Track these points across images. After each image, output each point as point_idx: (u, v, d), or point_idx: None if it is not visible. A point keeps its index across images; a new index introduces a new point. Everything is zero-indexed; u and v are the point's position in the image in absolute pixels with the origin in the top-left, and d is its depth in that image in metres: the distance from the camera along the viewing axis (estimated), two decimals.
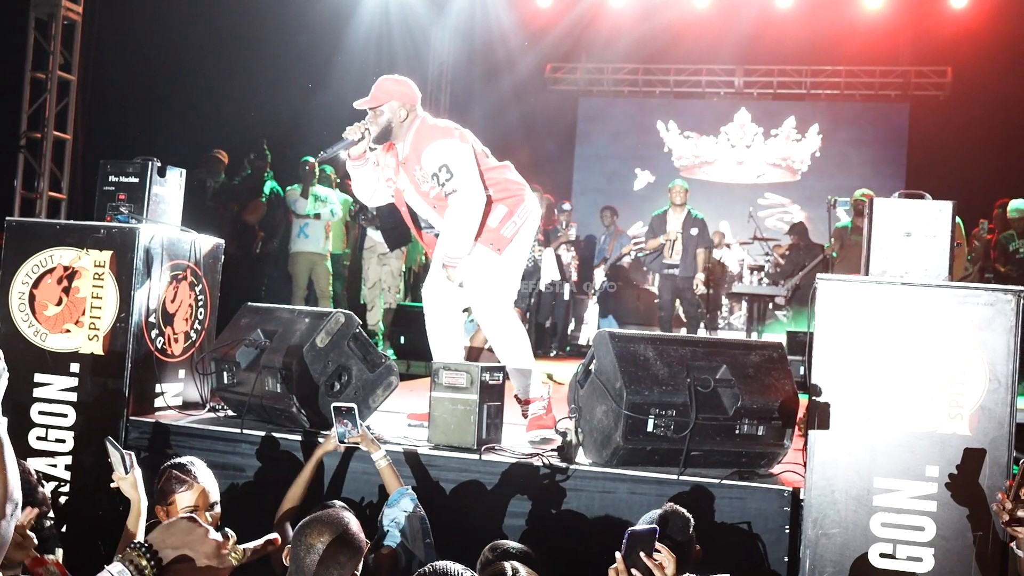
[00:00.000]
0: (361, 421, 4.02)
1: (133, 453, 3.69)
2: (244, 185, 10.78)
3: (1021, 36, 14.08)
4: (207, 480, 3.75)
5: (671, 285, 11.02)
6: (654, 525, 3.12)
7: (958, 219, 9.14)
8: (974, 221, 10.75)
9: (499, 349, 5.31)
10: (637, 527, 3.06)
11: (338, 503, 3.45)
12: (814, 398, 3.91)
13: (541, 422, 5.03)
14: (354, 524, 3.01)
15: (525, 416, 5.16)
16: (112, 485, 3.67)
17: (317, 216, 10.50)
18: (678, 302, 11.32)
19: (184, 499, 3.65)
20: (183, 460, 3.78)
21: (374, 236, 10.12)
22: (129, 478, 3.61)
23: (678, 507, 3.42)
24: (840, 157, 16.62)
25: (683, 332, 11.31)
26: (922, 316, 3.86)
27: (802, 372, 4.25)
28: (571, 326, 13.12)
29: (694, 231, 10.80)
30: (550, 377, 8.48)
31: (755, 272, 13.06)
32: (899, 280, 3.93)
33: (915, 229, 4.02)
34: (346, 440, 4.02)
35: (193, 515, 2.46)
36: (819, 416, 3.88)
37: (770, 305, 13.26)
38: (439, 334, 5.36)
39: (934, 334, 3.84)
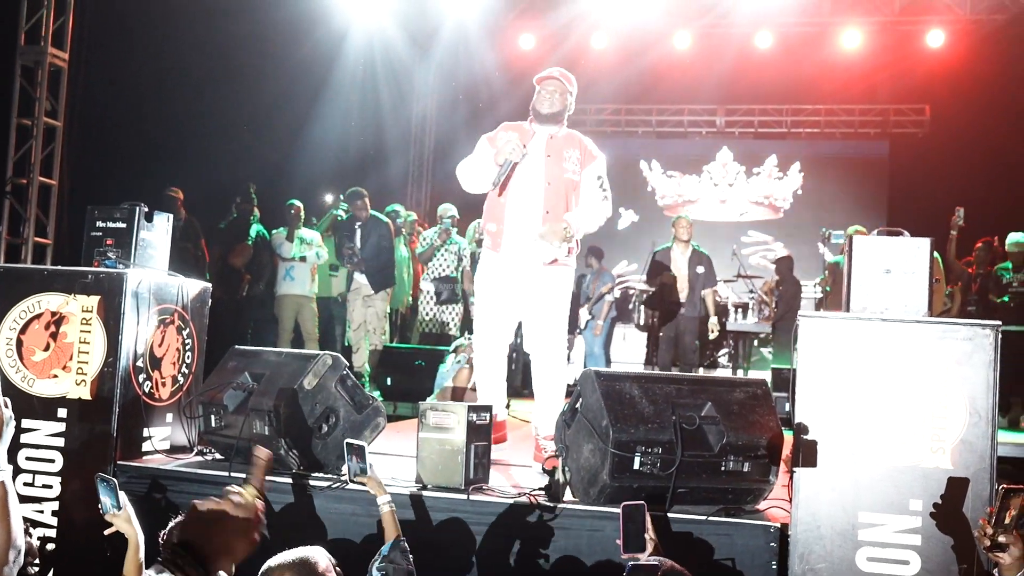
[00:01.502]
0: (370, 462, 4.03)
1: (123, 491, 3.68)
2: (230, 229, 10.81)
3: (997, 74, 14.31)
4: None
5: (675, 324, 10.53)
6: (655, 562, 3.15)
7: (936, 255, 9.33)
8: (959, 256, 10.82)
9: (548, 379, 5.54)
10: (640, 562, 3.10)
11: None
12: (801, 435, 3.95)
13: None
14: (323, 563, 3.01)
15: (542, 450, 5.28)
16: (107, 532, 3.67)
17: (303, 259, 10.56)
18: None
19: None
20: None
21: (359, 278, 10.17)
22: (123, 514, 3.61)
23: (677, 565, 3.42)
24: (822, 194, 16.76)
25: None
26: (902, 351, 3.91)
27: (787, 408, 4.28)
28: None
29: (700, 269, 10.38)
30: None
31: (739, 310, 13.12)
32: (879, 316, 3.99)
33: (894, 266, 4.09)
34: (354, 479, 4.03)
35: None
36: (807, 454, 3.91)
37: (755, 342, 13.32)
38: (495, 373, 5.64)
39: (915, 369, 3.90)
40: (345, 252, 10.05)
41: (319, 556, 3.03)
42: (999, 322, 3.89)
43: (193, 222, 10.32)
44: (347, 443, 4.05)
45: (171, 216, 5.51)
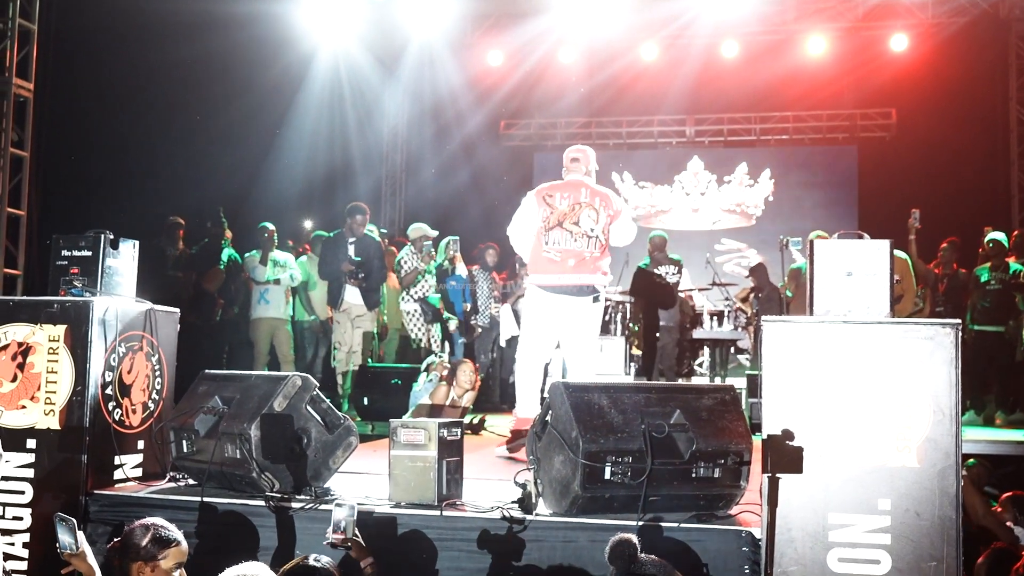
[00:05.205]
0: (354, 526, 3.93)
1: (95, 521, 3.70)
2: (202, 253, 10.77)
3: (960, 77, 14.50)
4: (182, 540, 3.80)
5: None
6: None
7: (905, 255, 9.40)
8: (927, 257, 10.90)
9: None
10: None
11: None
12: (787, 441, 3.95)
13: None
14: None
15: None
16: (64, 572, 3.66)
17: (277, 281, 10.50)
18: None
19: (172, 556, 3.70)
20: (154, 520, 3.80)
21: (350, 298, 10.01)
22: (80, 552, 3.60)
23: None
24: (793, 200, 16.85)
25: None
26: (866, 353, 3.95)
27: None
28: None
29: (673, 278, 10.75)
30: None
31: (714, 317, 13.15)
32: (842, 319, 4.02)
33: (856, 268, 4.13)
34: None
35: None
36: (793, 460, 3.92)
37: (732, 349, 13.36)
38: (535, 383, 6.60)
39: (879, 370, 3.93)
40: (346, 268, 9.85)
41: (260, 570, 3.03)
42: (958, 320, 3.93)
43: (188, 253, 10.28)
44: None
45: (136, 243, 5.48)
